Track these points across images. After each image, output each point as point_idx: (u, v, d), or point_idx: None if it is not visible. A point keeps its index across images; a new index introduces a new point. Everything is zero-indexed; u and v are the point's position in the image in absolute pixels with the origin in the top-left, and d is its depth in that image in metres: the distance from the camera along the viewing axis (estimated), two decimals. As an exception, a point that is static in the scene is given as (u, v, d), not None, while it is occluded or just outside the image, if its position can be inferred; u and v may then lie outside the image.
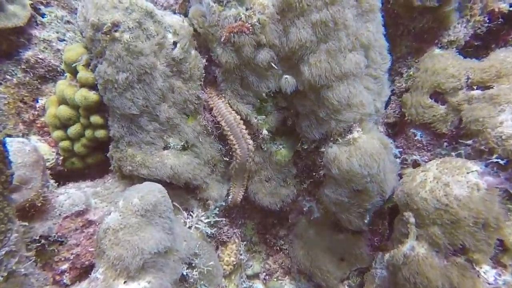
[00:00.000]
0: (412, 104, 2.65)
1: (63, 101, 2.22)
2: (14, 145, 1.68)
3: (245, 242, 3.43)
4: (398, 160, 2.77)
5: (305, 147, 2.70)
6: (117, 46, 1.99)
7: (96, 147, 2.49)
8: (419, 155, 2.70)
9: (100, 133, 2.31)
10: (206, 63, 2.57)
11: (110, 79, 2.04)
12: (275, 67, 2.34)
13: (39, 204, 1.75)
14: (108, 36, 1.94)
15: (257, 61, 2.34)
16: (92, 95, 2.14)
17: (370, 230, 2.76)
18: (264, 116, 2.71)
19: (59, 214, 1.93)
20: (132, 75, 2.04)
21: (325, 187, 2.65)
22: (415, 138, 2.70)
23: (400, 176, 2.67)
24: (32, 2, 2.40)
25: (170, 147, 2.49)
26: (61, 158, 2.47)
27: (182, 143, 2.53)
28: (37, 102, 2.51)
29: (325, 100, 2.32)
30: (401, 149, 2.80)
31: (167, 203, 2.01)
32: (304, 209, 3.10)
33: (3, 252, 1.25)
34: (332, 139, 2.52)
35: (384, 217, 2.84)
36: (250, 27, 2.26)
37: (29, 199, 1.67)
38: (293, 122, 2.65)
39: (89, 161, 2.50)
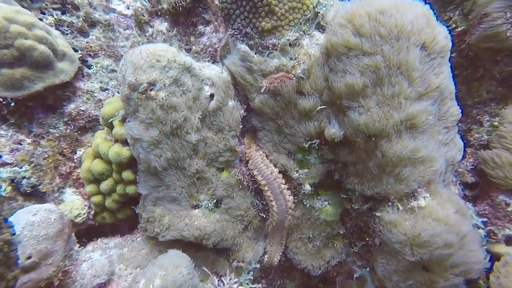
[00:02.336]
0: (498, 164, 2.21)
1: (98, 155, 2.23)
2: (40, 214, 1.66)
3: (284, 307, 3.09)
4: (482, 233, 2.29)
5: (356, 207, 2.47)
6: (151, 104, 1.95)
7: (126, 202, 2.44)
8: (516, 231, 2.21)
9: (131, 189, 2.28)
10: (245, 114, 2.49)
11: (137, 137, 1.99)
12: (321, 107, 2.19)
13: (56, 283, 1.66)
14: (144, 95, 1.92)
15: (300, 109, 2.17)
16: (125, 151, 2.13)
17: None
18: (306, 170, 2.55)
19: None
20: (162, 131, 1.96)
21: (381, 258, 2.45)
22: (508, 209, 2.21)
23: (488, 252, 2.18)
24: (81, 55, 2.54)
25: (201, 205, 2.34)
26: (93, 212, 2.45)
27: (215, 201, 2.36)
28: (75, 153, 2.59)
29: (381, 154, 2.02)
30: (486, 219, 2.32)
31: (194, 280, 1.81)
32: (355, 275, 2.81)
33: None
34: (390, 203, 2.15)
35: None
36: (293, 77, 2.11)
37: (47, 277, 1.60)
38: (340, 176, 2.46)
39: (119, 216, 2.48)
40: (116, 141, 2.23)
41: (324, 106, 2.23)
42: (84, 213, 2.49)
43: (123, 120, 2.22)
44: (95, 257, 2.05)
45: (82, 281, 1.88)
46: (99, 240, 2.50)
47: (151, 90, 1.99)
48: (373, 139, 2.15)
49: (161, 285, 1.73)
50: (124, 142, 2.27)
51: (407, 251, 2.04)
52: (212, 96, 2.30)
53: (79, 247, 2.06)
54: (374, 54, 1.91)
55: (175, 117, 2.08)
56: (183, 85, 2.11)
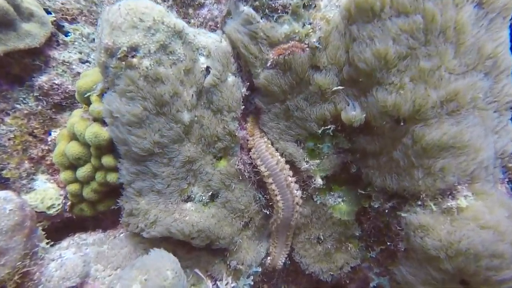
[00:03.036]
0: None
1: (74, 136, 1.92)
2: (-11, 204, 1.36)
3: (288, 316, 2.88)
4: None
5: (376, 206, 2.23)
6: (133, 74, 1.62)
7: (108, 193, 2.13)
8: None
9: (113, 177, 1.98)
10: (247, 93, 2.20)
11: (116, 113, 1.66)
12: (337, 87, 1.89)
13: (11, 287, 1.37)
14: (124, 62, 1.59)
15: (313, 88, 1.81)
16: (104, 132, 1.83)
17: None
18: (318, 160, 2.27)
19: (45, 293, 1.54)
20: (147, 107, 1.64)
21: (406, 266, 2.15)
22: None
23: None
24: (55, 18, 2.20)
25: (194, 198, 2.03)
26: (69, 203, 2.15)
27: (210, 194, 2.04)
28: (50, 134, 2.29)
29: (412, 141, 1.66)
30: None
31: (181, 286, 1.50)
32: (371, 284, 2.54)
33: None
34: (420, 202, 1.81)
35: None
36: (307, 48, 1.76)
37: (-3, 282, 1.31)
38: (358, 169, 2.23)
39: (100, 208, 2.19)
40: (94, 120, 1.91)
41: (341, 87, 1.87)
42: (59, 204, 2.20)
43: (102, 95, 1.89)
44: (67, 255, 1.77)
45: (48, 285, 1.60)
46: (76, 235, 2.21)
47: (132, 56, 1.67)
48: (403, 123, 1.81)
49: None
50: (104, 122, 1.95)
51: (444, 260, 1.69)
52: (208, 69, 1.96)
53: (48, 243, 1.77)
54: (413, 14, 1.54)
55: (162, 91, 1.76)
56: (173, 53, 1.77)
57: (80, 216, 2.35)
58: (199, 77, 1.96)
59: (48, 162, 2.28)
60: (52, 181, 2.28)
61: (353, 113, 1.95)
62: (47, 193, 2.16)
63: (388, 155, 2.01)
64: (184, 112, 1.94)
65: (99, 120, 1.94)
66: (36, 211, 2.11)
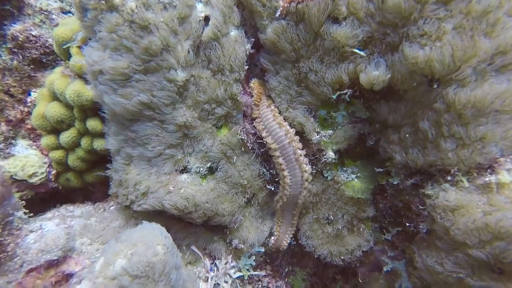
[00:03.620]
0: None
1: (55, 96, 1.71)
2: None
3: (292, 299, 2.83)
4: None
5: (395, 182, 2.04)
6: (116, 18, 1.38)
7: (97, 162, 1.95)
8: None
9: (100, 144, 1.77)
10: (252, 50, 1.98)
11: (99, 68, 1.43)
12: (361, 52, 1.58)
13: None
14: (104, 2, 1.33)
15: (329, 44, 1.56)
16: (87, 91, 1.63)
17: None
18: (330, 131, 2.08)
19: (21, 266, 1.38)
20: (133, 61, 1.40)
21: (427, 250, 1.96)
22: None
23: None
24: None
25: (190, 169, 1.83)
26: (54, 172, 1.97)
27: (208, 165, 1.84)
28: (29, 95, 2.07)
29: (446, 105, 1.43)
30: None
31: (173, 262, 1.33)
32: (384, 268, 2.39)
33: None
34: (450, 178, 1.58)
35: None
36: (324, -8, 1.51)
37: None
38: (376, 142, 2.05)
39: (88, 178, 2.00)
40: (76, 76, 1.68)
41: (363, 53, 1.59)
42: (43, 173, 2.03)
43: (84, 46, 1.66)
44: (48, 227, 1.61)
45: (25, 257, 1.46)
46: (63, 207, 2.05)
47: (114, -5, 1.40)
48: (436, 85, 1.54)
49: (125, 268, 1.28)
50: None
51: (476, 246, 1.47)
52: (207, 19, 1.70)
53: (26, 214, 1.61)
54: None
55: (150, 42, 1.51)
56: (164, -5, 1.50)
57: (67, 187, 2.19)
58: (196, 28, 1.71)
59: (29, 126, 2.09)
60: (34, 147, 2.10)
61: (375, 74, 1.70)
62: (28, 160, 1.98)
63: (413, 124, 1.81)
64: (178, 70, 1.70)
65: (82, 76, 1.72)
66: (15, 179, 1.95)
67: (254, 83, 2.07)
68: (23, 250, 1.50)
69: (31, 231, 1.59)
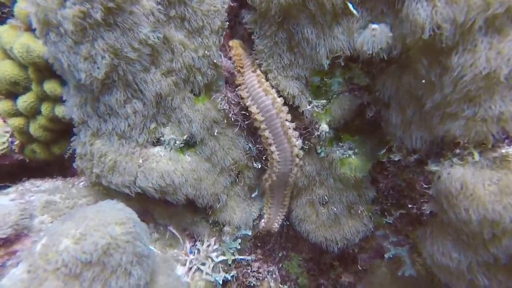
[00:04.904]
0: None
1: (6, 53, 1.54)
2: None
3: (287, 285, 2.74)
4: None
5: (397, 159, 1.91)
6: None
7: (64, 131, 1.81)
8: None
9: (62, 111, 1.60)
10: (234, 4, 1.81)
11: (47, 19, 1.24)
12: (354, 10, 1.50)
13: None
14: None
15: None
16: (39, 45, 1.44)
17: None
18: (324, 101, 1.93)
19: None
20: (91, 13, 1.21)
21: (433, 236, 1.83)
22: None
23: None
24: None
25: (164, 142, 1.67)
26: (17, 142, 1.84)
27: (185, 137, 1.68)
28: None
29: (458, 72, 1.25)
30: None
31: (137, 246, 1.19)
32: (386, 255, 2.35)
33: None
34: (457, 152, 1.55)
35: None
36: None
37: None
38: (377, 113, 1.90)
39: (55, 150, 1.86)
40: (27, 28, 1.51)
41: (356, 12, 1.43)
42: (4, 142, 1.92)
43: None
44: (1, 202, 1.47)
45: (-30, 234, 1.32)
46: (29, 181, 1.94)
47: None
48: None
49: (71, 251, 1.12)
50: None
51: (489, 238, 1.29)
52: (178, -36, 1.50)
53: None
54: None
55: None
56: None
57: (36, 160, 2.06)
58: (166, -25, 1.50)
59: (-12, 91, 1.95)
60: (-6, 114, 1.96)
61: (375, 27, 1.48)
62: (-12, 127, 1.85)
63: (416, 91, 1.62)
64: (146, 27, 1.51)
65: (31, 28, 1.54)
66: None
67: (233, 44, 1.88)
68: (-30, 225, 1.39)
69: (-19, 206, 1.48)
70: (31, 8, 1.35)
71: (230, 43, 1.85)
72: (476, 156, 1.45)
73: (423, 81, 1.52)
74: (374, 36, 1.48)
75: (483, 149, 1.45)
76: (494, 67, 1.19)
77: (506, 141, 1.38)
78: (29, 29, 1.57)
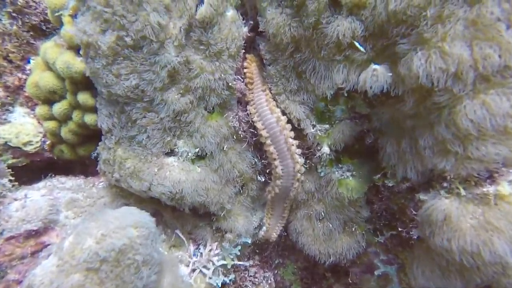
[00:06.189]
0: None
1: (49, 65, 1.73)
2: None
3: (281, 292, 2.85)
4: None
5: (391, 185, 1.99)
6: (106, -10, 1.35)
7: (90, 136, 1.98)
8: None
9: (91, 119, 1.80)
10: (250, 34, 1.92)
11: (91, 41, 1.41)
12: (360, 47, 1.53)
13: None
14: None
15: (329, 35, 1.57)
16: (78, 63, 1.62)
17: None
18: (327, 125, 2.01)
19: (1, 233, 1.44)
20: (125, 38, 1.38)
21: (418, 260, 1.93)
22: None
23: None
24: None
25: (177, 153, 1.82)
26: (49, 142, 2.02)
27: (196, 150, 1.82)
28: (28, 62, 2.12)
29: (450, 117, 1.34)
30: None
31: (149, 248, 1.34)
32: (376, 272, 2.40)
33: None
34: (445, 185, 1.54)
35: None
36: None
37: None
38: (375, 140, 1.97)
39: (81, 152, 2.03)
40: (68, 47, 1.69)
41: (362, 48, 1.51)
42: (37, 142, 2.09)
43: (76, 15, 1.65)
44: (33, 197, 1.66)
45: (6, 225, 1.51)
46: (56, 177, 2.11)
47: (103, -35, 1.38)
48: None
49: (93, 250, 1.30)
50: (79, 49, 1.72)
51: (469, 268, 1.39)
52: (202, -2, 1.65)
53: (11, 181, 1.66)
54: None
55: (141, 17, 1.47)
56: (157, -31, 1.46)
57: (62, 158, 2.24)
58: (190, 6, 1.66)
59: (27, 94, 2.14)
60: (32, 115, 2.15)
61: (375, 67, 1.59)
62: (24, 128, 2.04)
63: (411, 126, 1.71)
64: (170, 49, 1.67)
65: (74, 47, 1.72)
66: (10, 146, 2.02)
67: (249, 60, 1.98)
68: (5, 217, 1.56)
69: (16, 199, 1.65)
70: (77, 33, 1.53)
71: (247, 56, 1.95)
72: (462, 191, 1.52)
73: (416, 118, 1.64)
74: (375, 76, 1.59)
75: (467, 185, 1.51)
76: (479, 116, 1.31)
77: (488, 180, 1.45)
78: (71, 48, 1.74)
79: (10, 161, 2.04)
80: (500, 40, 1.22)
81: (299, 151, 2.02)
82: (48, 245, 1.63)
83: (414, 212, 1.85)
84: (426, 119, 1.55)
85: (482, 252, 1.37)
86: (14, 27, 1.99)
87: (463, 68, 1.28)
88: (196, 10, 1.70)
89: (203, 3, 1.69)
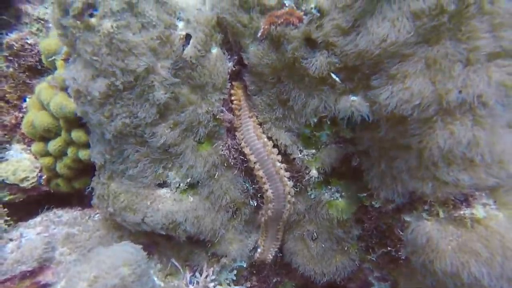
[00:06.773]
0: None
1: (43, 105, 1.80)
2: None
3: (280, 308, 2.82)
4: None
5: (377, 206, 2.04)
6: (94, 38, 1.43)
7: (84, 169, 2.03)
8: None
9: (84, 155, 1.86)
10: (235, 67, 1.99)
11: (81, 89, 1.49)
12: (337, 79, 1.51)
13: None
14: (80, 22, 1.39)
15: (308, 68, 1.59)
16: (70, 104, 1.69)
17: None
18: (314, 150, 2.06)
19: (-4, 276, 1.47)
20: (116, 83, 1.46)
21: (407, 278, 2.05)
22: None
23: None
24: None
25: (169, 184, 1.87)
26: (45, 177, 2.07)
27: (188, 180, 1.88)
28: (24, 101, 2.19)
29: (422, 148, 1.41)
30: None
31: (141, 284, 1.37)
32: None
33: None
34: (426, 207, 1.55)
35: None
36: (303, 17, 1.49)
37: None
38: (360, 162, 2.02)
39: (76, 185, 2.08)
40: (61, 88, 1.77)
41: (339, 80, 1.58)
42: (34, 177, 2.14)
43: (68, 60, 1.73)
44: (29, 236, 1.69)
45: (1, 267, 1.52)
46: (52, 211, 2.15)
47: (90, 15, 1.46)
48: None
49: None
50: (73, 92, 1.79)
51: (450, 285, 1.44)
52: (188, 36, 1.73)
53: (6, 222, 1.69)
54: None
55: (129, 62, 1.55)
56: (142, 15, 1.56)
57: (59, 191, 2.29)
58: (177, 47, 1.74)
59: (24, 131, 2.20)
60: (28, 151, 2.21)
61: (353, 99, 1.67)
62: (20, 164, 2.09)
63: (390, 153, 1.76)
64: (158, 89, 1.73)
65: (66, 88, 1.80)
66: (7, 183, 2.07)
67: (235, 88, 2.03)
68: (0, 260, 1.59)
69: (11, 240, 1.68)
70: (68, 81, 1.61)
71: (233, 83, 2.00)
72: (441, 214, 1.56)
73: (392, 143, 1.70)
74: (353, 106, 1.66)
75: (446, 208, 1.56)
76: (449, 145, 1.38)
77: (464, 203, 1.50)
78: (63, 89, 1.82)
79: (7, 198, 2.08)
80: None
81: (287, 174, 2.05)
82: (44, 284, 1.66)
83: (401, 233, 1.89)
84: (401, 145, 1.62)
85: (461, 274, 1.41)
86: (11, 69, 2.07)
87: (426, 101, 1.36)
88: (183, 50, 1.78)
89: (188, 44, 1.78)
